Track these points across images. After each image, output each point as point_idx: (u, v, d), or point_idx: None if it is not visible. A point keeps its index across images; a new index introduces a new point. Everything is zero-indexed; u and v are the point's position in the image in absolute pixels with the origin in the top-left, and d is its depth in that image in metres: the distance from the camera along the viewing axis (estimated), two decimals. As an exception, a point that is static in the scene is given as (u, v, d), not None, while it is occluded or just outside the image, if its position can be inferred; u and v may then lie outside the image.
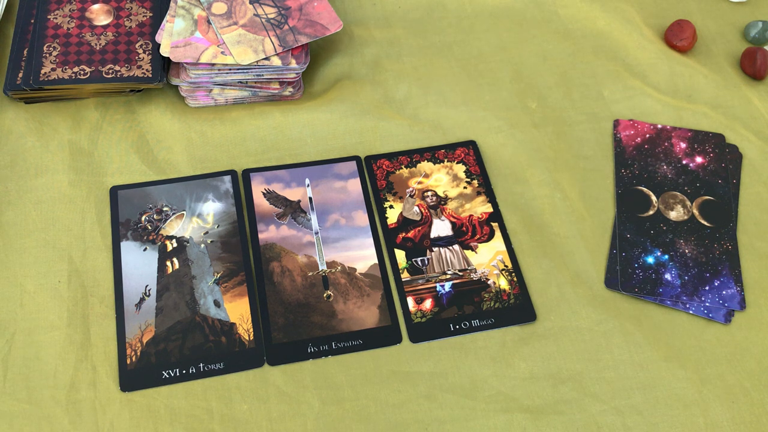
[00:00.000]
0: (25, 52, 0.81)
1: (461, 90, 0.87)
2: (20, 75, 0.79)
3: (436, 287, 0.73)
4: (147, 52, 0.82)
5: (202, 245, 0.73)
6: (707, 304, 0.72)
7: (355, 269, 0.73)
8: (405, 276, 0.73)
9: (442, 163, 0.81)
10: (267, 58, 0.80)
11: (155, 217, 0.75)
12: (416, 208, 0.78)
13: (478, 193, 0.79)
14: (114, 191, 0.76)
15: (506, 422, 0.66)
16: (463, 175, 0.80)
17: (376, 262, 0.74)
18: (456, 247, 0.75)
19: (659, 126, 0.85)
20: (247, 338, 0.68)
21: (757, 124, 0.86)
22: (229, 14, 0.83)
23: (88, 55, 0.81)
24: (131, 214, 0.75)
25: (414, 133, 0.83)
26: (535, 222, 0.77)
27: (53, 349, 0.67)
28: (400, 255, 0.75)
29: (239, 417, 0.65)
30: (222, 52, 0.80)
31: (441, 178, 0.80)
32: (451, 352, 0.69)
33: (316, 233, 0.75)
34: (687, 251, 0.76)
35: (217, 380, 0.67)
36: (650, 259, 0.75)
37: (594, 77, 0.89)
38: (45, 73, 0.79)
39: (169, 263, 0.72)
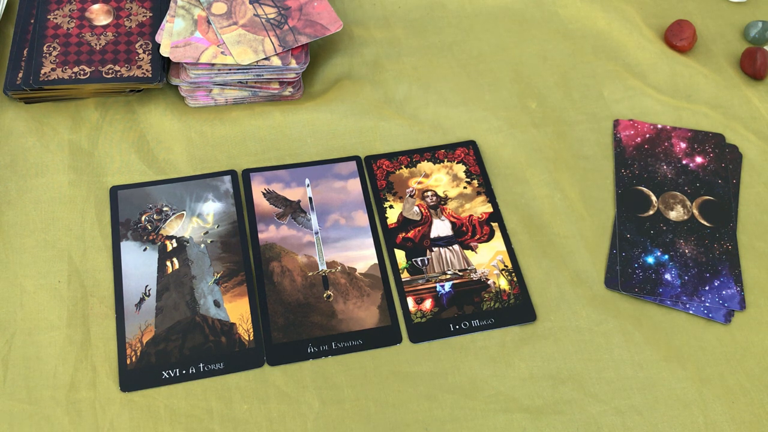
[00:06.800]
0: (25, 52, 0.81)
1: (461, 90, 0.87)
2: (20, 75, 0.79)
3: (436, 287, 0.73)
4: (147, 52, 0.82)
5: (202, 245, 0.73)
6: (707, 304, 0.72)
7: (355, 269, 0.73)
8: (405, 276, 0.73)
9: (442, 163, 0.81)
10: (267, 58, 0.80)
11: (155, 217, 0.75)
12: (416, 208, 0.78)
13: (478, 193, 0.79)
14: (114, 191, 0.76)
15: (506, 422, 0.66)
16: (463, 175, 0.80)
17: (376, 262, 0.74)
18: (456, 247, 0.75)
19: (659, 126, 0.85)
20: (247, 338, 0.68)
21: (757, 124, 0.86)
22: (229, 14, 0.83)
23: (88, 55, 0.81)
24: (131, 214, 0.75)
25: (414, 133, 0.83)
26: (535, 222, 0.77)
27: (53, 349, 0.67)
28: (400, 255, 0.75)
29: (239, 417, 0.65)
30: (222, 52, 0.80)
31: (441, 178, 0.80)
32: (451, 352, 0.69)
33: (316, 233, 0.75)
34: (687, 251, 0.76)
35: (217, 380, 0.67)
36: (650, 259, 0.75)
37: (594, 77, 0.89)
38: (45, 73, 0.79)
39: (169, 263, 0.72)
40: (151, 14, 0.85)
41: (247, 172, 0.79)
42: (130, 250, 0.73)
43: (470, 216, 0.77)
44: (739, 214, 0.79)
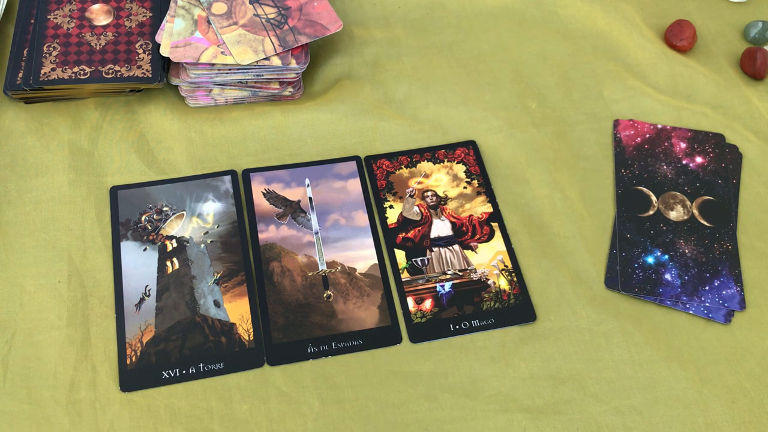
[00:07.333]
0: (25, 52, 0.81)
1: (461, 90, 0.87)
2: (20, 75, 0.79)
3: (436, 287, 0.73)
4: (147, 52, 0.82)
5: (202, 245, 0.73)
6: (707, 304, 0.72)
7: (355, 269, 0.73)
8: (405, 276, 0.73)
9: (442, 163, 0.81)
10: (267, 58, 0.80)
11: (155, 217, 0.75)
12: (416, 208, 0.78)
13: (478, 193, 0.79)
14: (114, 191, 0.76)
15: (506, 422, 0.66)
16: (463, 175, 0.80)
17: (376, 262, 0.74)
18: (456, 247, 0.75)
19: (659, 126, 0.85)
20: (247, 338, 0.68)
21: (757, 124, 0.86)
22: (229, 14, 0.83)
23: (88, 55, 0.81)
24: (131, 214, 0.75)
25: (414, 133, 0.83)
26: (535, 222, 0.77)
27: (53, 349, 0.67)
28: (400, 255, 0.75)
29: (239, 417, 0.65)
30: (222, 52, 0.80)
31: (441, 178, 0.80)
32: (451, 352, 0.69)
33: (316, 233, 0.75)
34: (687, 251, 0.76)
35: (217, 380, 0.67)
36: (650, 259, 0.75)
37: (594, 77, 0.89)
38: (45, 73, 0.79)
39: (169, 263, 0.72)
40: (151, 14, 0.85)
41: (247, 172, 0.79)
42: (130, 250, 0.73)
43: (470, 216, 0.77)
44: (739, 214, 0.79)
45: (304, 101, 0.85)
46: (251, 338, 0.68)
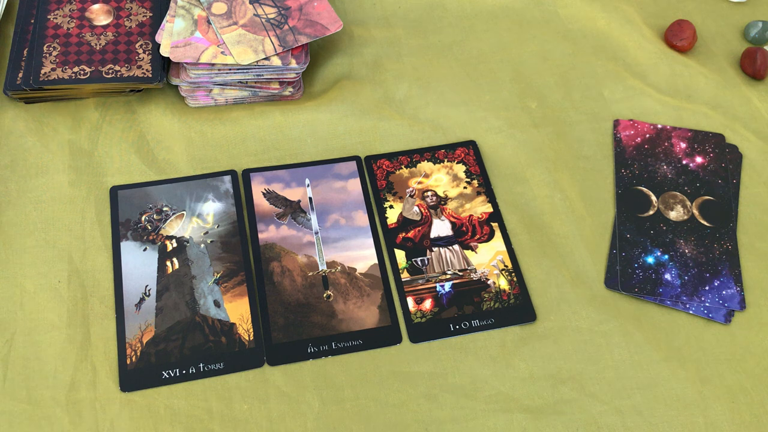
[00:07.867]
0: (25, 52, 0.81)
1: (461, 90, 0.87)
2: (20, 75, 0.79)
3: (436, 287, 0.73)
4: (147, 52, 0.82)
5: (202, 245, 0.73)
6: (707, 304, 0.72)
7: (355, 269, 0.73)
8: (405, 276, 0.73)
9: (442, 163, 0.81)
10: (267, 58, 0.80)
11: (155, 217, 0.75)
12: (416, 208, 0.78)
13: (478, 193, 0.79)
14: (114, 191, 0.76)
15: (506, 422, 0.66)
16: (463, 175, 0.80)
17: (376, 262, 0.74)
18: (456, 247, 0.75)
19: (659, 126, 0.85)
20: (247, 338, 0.68)
21: (757, 124, 0.86)
22: (229, 14, 0.83)
23: (88, 55, 0.81)
24: (131, 214, 0.75)
25: (414, 133, 0.83)
26: (535, 222, 0.77)
27: (53, 349, 0.67)
28: (400, 255, 0.75)
29: (239, 417, 0.65)
30: (222, 52, 0.80)
31: (441, 178, 0.80)
32: (451, 352, 0.69)
33: (316, 233, 0.75)
34: (687, 251, 0.76)
35: (217, 380, 0.67)
36: (650, 259, 0.75)
37: (594, 77, 0.89)
38: (45, 73, 0.79)
39: (169, 263, 0.72)
40: (151, 14, 0.85)
41: (247, 172, 0.79)
42: (130, 250, 0.73)
43: (470, 216, 0.77)
44: (739, 214, 0.79)
45: (304, 101, 0.85)
46: (251, 338, 0.68)
